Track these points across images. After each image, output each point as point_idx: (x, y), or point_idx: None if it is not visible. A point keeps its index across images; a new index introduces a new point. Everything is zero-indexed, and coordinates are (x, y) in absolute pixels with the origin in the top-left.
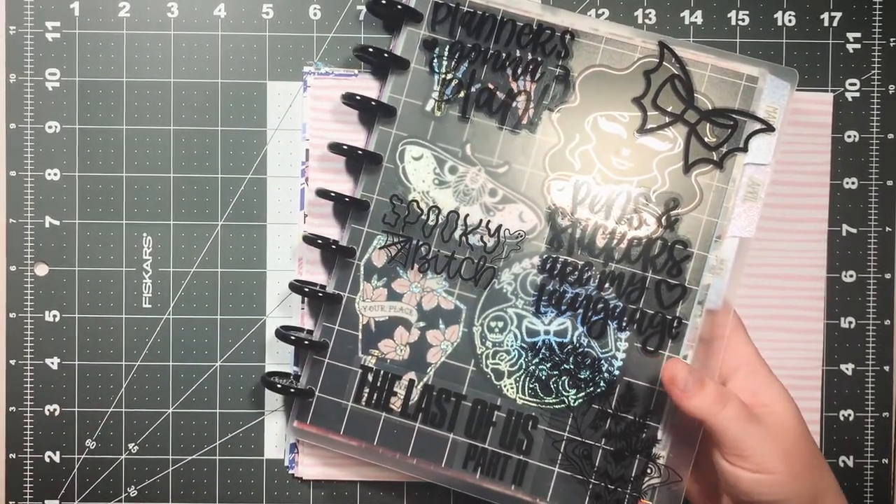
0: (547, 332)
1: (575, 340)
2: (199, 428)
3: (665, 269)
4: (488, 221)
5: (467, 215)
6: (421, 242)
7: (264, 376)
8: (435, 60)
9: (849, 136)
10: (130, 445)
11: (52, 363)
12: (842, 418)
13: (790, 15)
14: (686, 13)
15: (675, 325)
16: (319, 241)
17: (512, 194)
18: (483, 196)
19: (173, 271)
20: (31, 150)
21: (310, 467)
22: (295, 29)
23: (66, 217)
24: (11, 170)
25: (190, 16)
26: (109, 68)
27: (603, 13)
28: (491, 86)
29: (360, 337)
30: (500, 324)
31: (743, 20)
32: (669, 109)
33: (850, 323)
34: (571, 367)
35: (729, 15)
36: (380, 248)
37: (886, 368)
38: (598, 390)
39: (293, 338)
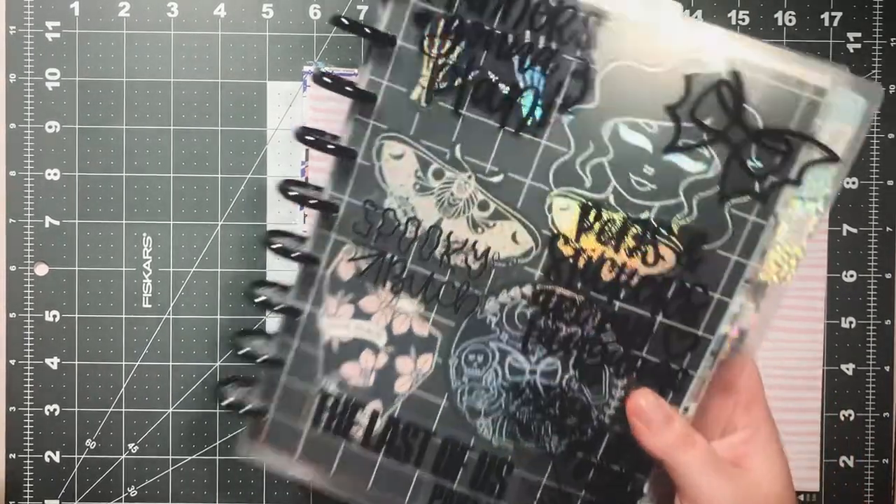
0: (533, 373)
1: (564, 385)
2: (199, 428)
3: (678, 315)
4: (475, 242)
5: (451, 232)
6: (395, 259)
7: (218, 384)
8: (426, 39)
9: None
10: (130, 445)
11: (52, 363)
12: (842, 418)
13: (790, 15)
14: (686, 13)
15: (679, 376)
16: (279, 248)
17: (506, 209)
18: (471, 208)
19: (173, 271)
20: (31, 150)
21: None
22: (295, 29)
23: (66, 217)
24: (11, 170)
25: (190, 16)
26: (109, 68)
27: None
28: (492, 76)
29: (321, 356)
30: (480, 358)
31: (743, 20)
32: (709, 122)
33: (850, 323)
34: (556, 413)
35: (729, 15)
36: (348, 260)
37: (887, 368)
38: (584, 438)
39: (242, 353)
